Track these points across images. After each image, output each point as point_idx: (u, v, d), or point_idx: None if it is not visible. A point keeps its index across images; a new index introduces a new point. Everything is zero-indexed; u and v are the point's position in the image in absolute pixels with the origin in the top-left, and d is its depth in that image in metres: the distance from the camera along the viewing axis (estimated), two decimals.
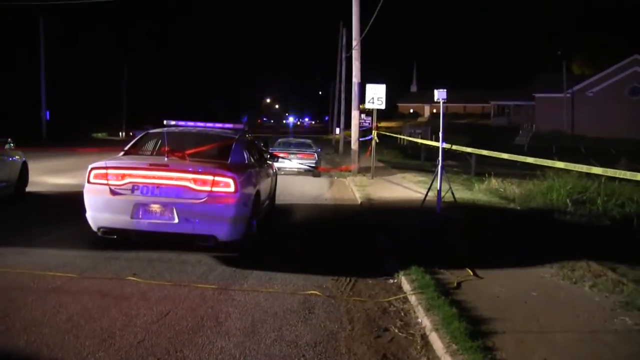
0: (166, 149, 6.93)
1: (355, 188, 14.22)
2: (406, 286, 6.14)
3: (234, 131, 8.35)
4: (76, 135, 32.69)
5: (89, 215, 6.75)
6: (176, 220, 6.45)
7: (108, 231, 6.71)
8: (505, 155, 9.63)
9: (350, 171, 18.44)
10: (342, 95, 33.27)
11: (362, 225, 9.97)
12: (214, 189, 6.52)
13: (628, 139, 32.97)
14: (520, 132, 35.57)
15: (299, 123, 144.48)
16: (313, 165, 17.95)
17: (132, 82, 48.39)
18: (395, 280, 6.50)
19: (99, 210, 6.63)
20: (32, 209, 10.39)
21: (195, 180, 6.51)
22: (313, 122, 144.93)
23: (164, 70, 56.83)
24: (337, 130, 42.67)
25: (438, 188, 10.79)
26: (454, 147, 11.24)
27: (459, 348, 4.39)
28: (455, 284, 6.13)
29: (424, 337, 4.88)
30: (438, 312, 5.18)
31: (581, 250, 7.56)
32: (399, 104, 75.39)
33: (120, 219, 6.54)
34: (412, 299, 5.73)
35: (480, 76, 61.00)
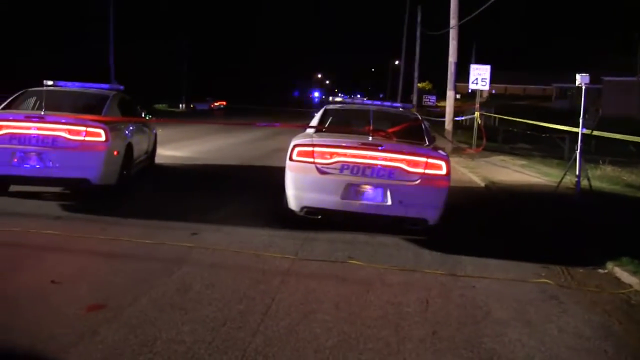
0: (370, 127, 6.69)
1: (466, 170, 13.91)
2: (630, 278, 5.88)
3: (406, 110, 8.13)
4: (140, 107, 32.53)
5: (291, 194, 6.56)
6: (389, 202, 6.26)
7: (313, 211, 6.52)
8: None
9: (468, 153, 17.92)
10: (415, 74, 32.56)
11: (510, 209, 9.66)
12: (427, 171, 6.31)
13: None
14: (587, 116, 34.58)
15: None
16: None
17: (193, 54, 48.30)
18: (606, 270, 6.26)
19: (305, 189, 6.44)
20: (176, 182, 10.28)
21: (408, 162, 6.30)
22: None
23: (222, 44, 56.64)
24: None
25: (577, 174, 10.46)
26: (595, 132, 10.81)
27: None
28: None
29: None
30: None
31: None
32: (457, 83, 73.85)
33: (329, 199, 6.35)
34: None
35: (541, 58, 59.17)
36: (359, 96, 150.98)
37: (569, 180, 10.92)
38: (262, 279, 5.15)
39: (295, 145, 6.53)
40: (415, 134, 7.14)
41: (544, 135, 20.16)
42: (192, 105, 41.53)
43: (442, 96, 36.01)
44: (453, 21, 17.06)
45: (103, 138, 7.30)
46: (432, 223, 6.46)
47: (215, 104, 46.88)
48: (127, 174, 8.19)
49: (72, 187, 7.84)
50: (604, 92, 46.60)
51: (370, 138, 6.61)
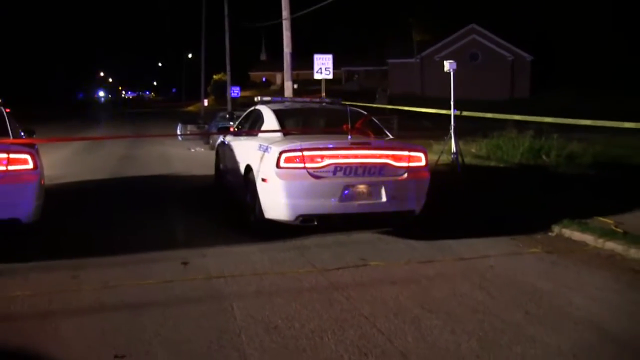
0: (348, 126, 6.58)
1: None
2: (582, 236, 6.76)
3: (342, 105, 8.14)
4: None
5: (284, 202, 6.13)
6: (384, 199, 6.29)
7: (309, 218, 6.22)
8: (548, 119, 10.47)
9: None
10: (228, 68, 31.57)
11: None
12: (411, 164, 6.49)
13: (473, 100, 37.03)
14: (377, 95, 38.02)
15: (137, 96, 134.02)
16: None
17: None
18: (555, 233, 7.13)
19: (300, 196, 6.09)
20: (88, 206, 8.83)
21: (394, 157, 6.40)
22: (153, 95, 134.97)
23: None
24: (206, 102, 41.49)
25: (454, 152, 11.61)
26: (464, 113, 11.98)
27: None
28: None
29: None
30: None
31: None
32: (251, 73, 74.13)
33: (327, 204, 6.13)
34: (612, 244, 6.37)
35: (328, 42, 62.05)
36: (147, 93, 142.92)
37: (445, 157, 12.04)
38: (326, 299, 4.81)
39: (282, 151, 6.14)
40: (374, 128, 7.26)
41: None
42: None
43: (243, 87, 36.13)
44: (285, 12, 17.46)
45: (31, 165, 5.87)
46: (417, 213, 6.69)
47: None
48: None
49: None
50: (390, 73, 51.93)
51: (350, 137, 6.54)
